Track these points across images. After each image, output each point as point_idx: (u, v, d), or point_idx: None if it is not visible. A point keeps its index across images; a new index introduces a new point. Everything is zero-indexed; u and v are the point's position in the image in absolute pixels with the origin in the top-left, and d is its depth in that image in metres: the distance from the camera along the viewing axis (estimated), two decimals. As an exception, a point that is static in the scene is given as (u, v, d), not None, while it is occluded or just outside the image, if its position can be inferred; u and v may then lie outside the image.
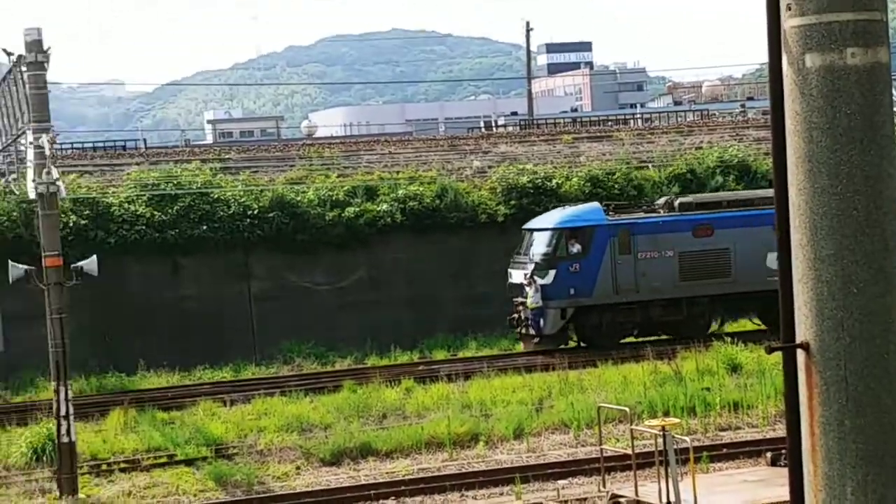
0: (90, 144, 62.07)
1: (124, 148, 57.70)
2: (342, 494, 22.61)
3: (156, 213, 40.78)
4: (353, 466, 25.19)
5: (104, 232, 39.79)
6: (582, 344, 37.37)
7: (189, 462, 25.65)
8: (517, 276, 36.93)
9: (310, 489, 23.33)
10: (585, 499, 20.45)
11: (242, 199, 41.80)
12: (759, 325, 38.59)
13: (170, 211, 40.89)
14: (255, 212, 41.45)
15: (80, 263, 24.97)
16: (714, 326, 38.04)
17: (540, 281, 36.28)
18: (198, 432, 27.56)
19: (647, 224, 37.13)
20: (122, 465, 25.83)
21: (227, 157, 47.99)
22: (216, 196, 41.66)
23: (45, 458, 25.80)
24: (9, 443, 27.45)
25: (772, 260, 37.14)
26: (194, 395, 32.93)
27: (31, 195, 24.54)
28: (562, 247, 36.66)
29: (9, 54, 25.58)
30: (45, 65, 23.70)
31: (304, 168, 45.27)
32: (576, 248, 36.58)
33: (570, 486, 22.29)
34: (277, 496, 22.87)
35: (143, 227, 40.41)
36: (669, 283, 36.90)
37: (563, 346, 37.14)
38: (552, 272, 36.44)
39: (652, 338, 37.34)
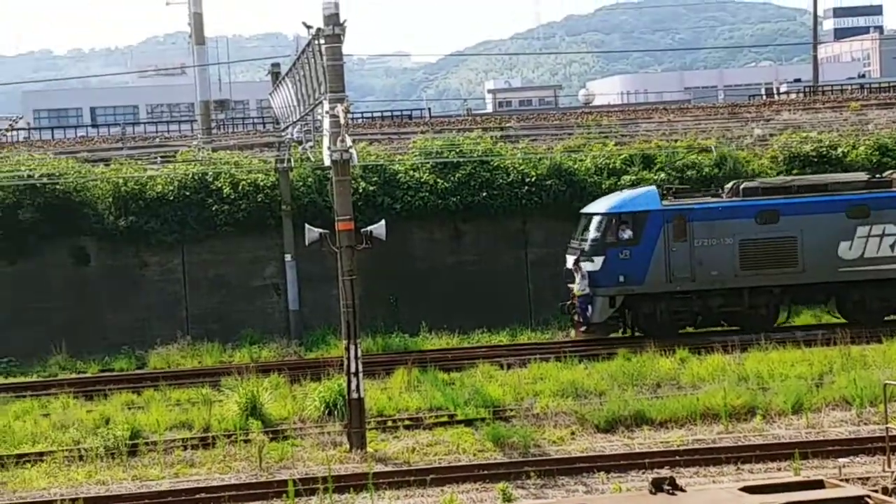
0: (378, 114, 64.07)
1: (410, 117, 59.38)
2: (616, 462, 22.86)
3: (438, 180, 41.92)
4: (628, 434, 25.44)
5: (390, 198, 41.20)
6: (637, 333, 36.34)
7: (468, 422, 26.43)
8: (570, 261, 36.33)
9: (584, 454, 23.64)
10: (868, 478, 20.15)
11: (521, 167, 42.49)
12: (837, 317, 36.78)
13: (452, 178, 41.94)
14: (533, 179, 42.09)
15: (369, 228, 26.11)
16: (782, 318, 36.40)
17: (588, 267, 35.72)
18: (476, 394, 28.35)
19: (704, 209, 35.78)
20: (406, 423, 26.86)
21: (507, 125, 48.83)
22: (496, 164, 42.48)
23: (335, 413, 27.08)
24: (304, 396, 28.94)
25: (844, 249, 35.73)
26: (472, 357, 33.86)
27: (327, 162, 25.70)
28: (611, 232, 35.83)
29: (308, 27, 26.89)
30: (341, 37, 24.79)
31: (581, 136, 45.59)
32: (627, 233, 35.76)
33: (852, 465, 21.93)
34: (553, 459, 23.35)
35: (427, 194, 41.62)
36: (729, 272, 35.49)
37: (617, 335, 36.41)
38: (600, 258, 35.73)
39: (716, 328, 36.22)
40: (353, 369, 24.83)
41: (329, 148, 25.13)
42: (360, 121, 54.17)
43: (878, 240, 35.69)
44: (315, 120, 33.64)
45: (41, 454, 25.41)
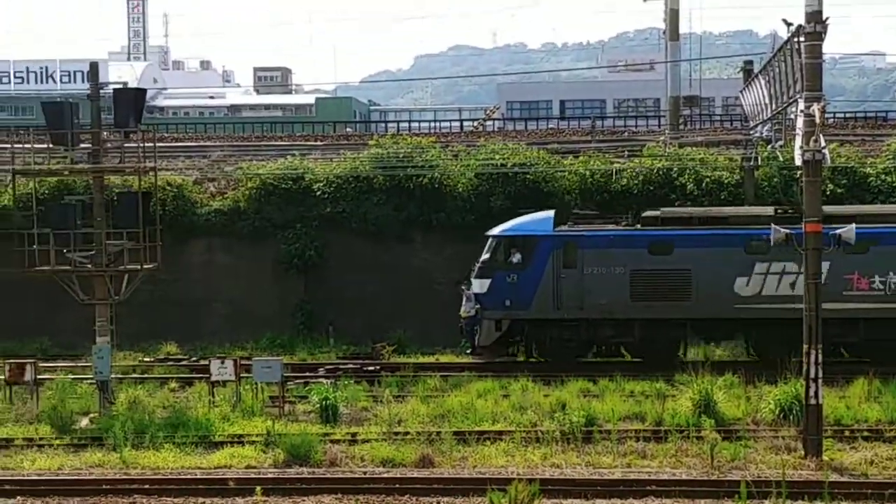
0: (850, 114, 62.03)
1: (885, 119, 57.05)
2: None
3: (914, 185, 40.13)
4: None
5: (858, 201, 39.79)
6: (535, 359, 35.31)
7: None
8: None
9: None
10: None
11: None
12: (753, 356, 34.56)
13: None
14: None
15: (838, 231, 25.46)
16: (682, 353, 34.80)
17: (475, 289, 35.20)
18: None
19: (595, 237, 34.57)
20: (865, 434, 25.98)
21: None
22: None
23: (791, 418, 26.58)
24: (758, 398, 28.57)
25: (741, 285, 33.88)
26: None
27: (798, 161, 25.21)
28: (501, 255, 35.16)
29: (787, 24, 26.46)
30: (823, 35, 24.20)
31: None
32: (516, 258, 34.96)
33: None
34: None
35: (900, 200, 39.95)
36: (619, 302, 34.26)
37: (511, 360, 35.39)
38: (487, 281, 35.14)
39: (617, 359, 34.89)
40: (812, 375, 24.26)
41: (801, 147, 24.65)
42: (831, 121, 52.65)
43: (777, 277, 33.86)
44: (787, 119, 33.00)
45: (500, 433, 26.43)
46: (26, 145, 33.00)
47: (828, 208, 35.00)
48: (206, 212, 43.21)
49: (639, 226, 35.26)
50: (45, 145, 31.91)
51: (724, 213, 35.42)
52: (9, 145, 33.13)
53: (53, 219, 30.26)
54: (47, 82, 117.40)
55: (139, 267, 30.36)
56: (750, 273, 34.06)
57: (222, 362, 30.43)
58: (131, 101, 30.07)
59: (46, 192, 40.78)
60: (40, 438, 26.80)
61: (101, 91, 30.53)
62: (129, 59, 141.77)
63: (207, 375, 30.67)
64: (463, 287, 36.85)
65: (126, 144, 31.63)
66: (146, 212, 30.18)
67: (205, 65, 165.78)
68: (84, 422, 28.60)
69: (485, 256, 35.70)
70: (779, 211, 34.66)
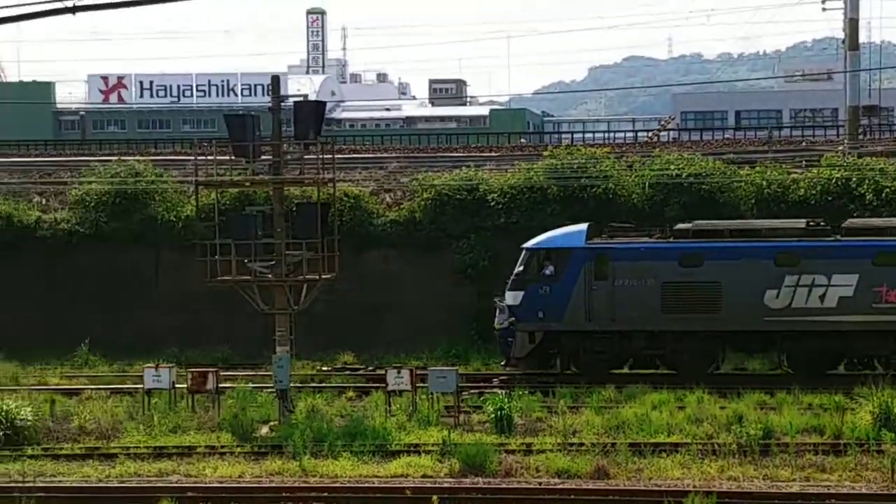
0: None
1: None
2: None
3: None
4: None
5: None
6: (571, 371, 35.21)
7: None
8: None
9: None
10: None
11: None
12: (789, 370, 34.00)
13: None
14: None
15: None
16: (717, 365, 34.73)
17: (508, 301, 35.38)
18: None
19: (626, 250, 34.75)
20: None
21: None
22: None
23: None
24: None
25: (770, 298, 33.71)
26: None
27: None
28: (534, 268, 35.37)
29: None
30: None
31: None
32: (549, 270, 35.17)
33: None
34: None
35: None
36: (650, 314, 34.28)
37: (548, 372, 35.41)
38: (520, 293, 35.32)
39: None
40: None
41: None
42: None
43: (806, 290, 33.63)
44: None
45: (676, 445, 26.18)
46: (209, 157, 33.92)
47: (856, 221, 35.53)
48: (383, 222, 43.80)
49: (671, 238, 35.34)
50: (227, 157, 32.75)
51: (755, 226, 35.55)
52: (192, 157, 34.06)
53: (235, 229, 31.00)
54: (228, 95, 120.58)
55: (318, 277, 30.92)
56: (780, 285, 33.95)
57: (398, 372, 30.80)
58: (311, 113, 30.67)
59: (228, 203, 41.85)
60: (222, 446, 27.42)
61: (282, 104, 31.21)
62: (307, 72, 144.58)
63: (384, 385, 31.07)
64: (496, 299, 36.83)
65: (305, 156, 32.27)
66: (324, 222, 30.70)
67: (381, 77, 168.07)
68: (264, 430, 29.21)
69: (518, 269, 35.86)
70: (810, 224, 34.88)
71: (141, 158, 49.97)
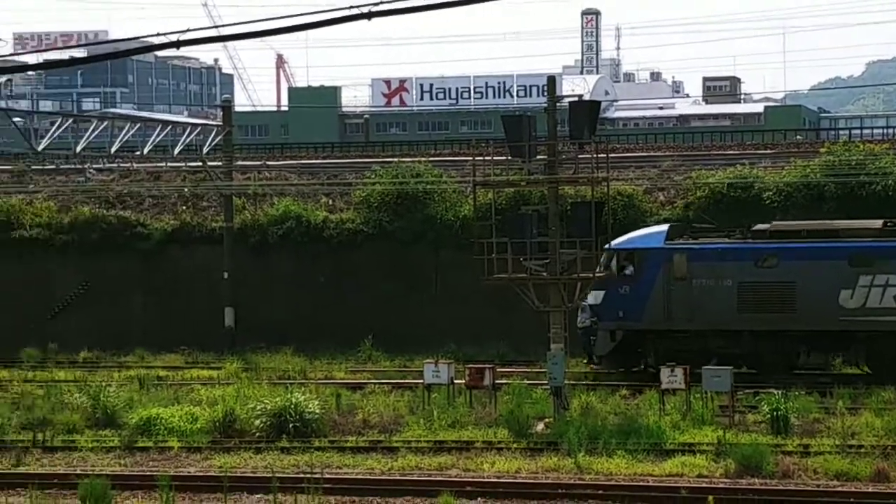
0: None
1: None
2: None
3: None
4: None
5: None
6: (653, 369, 34.28)
7: None
8: None
9: None
10: None
11: None
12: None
13: None
14: None
15: None
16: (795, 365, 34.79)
17: (590, 300, 35.61)
18: None
19: (704, 250, 35.12)
20: None
21: None
22: None
23: None
24: None
25: (845, 298, 33.85)
26: None
27: None
28: (614, 268, 35.43)
29: None
30: None
31: None
32: (629, 270, 35.66)
33: None
34: None
35: None
36: (727, 314, 34.78)
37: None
38: (601, 293, 35.71)
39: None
40: None
41: None
42: None
43: (881, 290, 33.77)
44: None
45: (963, 450, 25.24)
46: (486, 158, 34.59)
47: None
48: (656, 221, 43.67)
49: (749, 239, 35.40)
50: (504, 157, 33.33)
51: (832, 227, 35.65)
52: (470, 158, 34.76)
53: (511, 228, 31.57)
54: (505, 97, 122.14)
55: (591, 275, 31.14)
56: (854, 285, 33.86)
57: (672, 371, 30.69)
58: (586, 113, 30.93)
59: (504, 202, 42.53)
60: (498, 442, 27.83)
61: (557, 104, 31.59)
62: (581, 72, 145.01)
63: (658, 383, 31.05)
64: (581, 299, 36.69)
65: (580, 155, 32.56)
66: (598, 221, 30.93)
67: (654, 76, 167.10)
68: (539, 426, 29.58)
69: (600, 269, 35.46)
70: (888, 224, 34.40)
71: (421, 159, 51.22)
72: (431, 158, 53.60)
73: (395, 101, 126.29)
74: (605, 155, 32.08)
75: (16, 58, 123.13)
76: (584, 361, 37.70)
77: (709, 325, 35.24)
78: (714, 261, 35.29)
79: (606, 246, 36.15)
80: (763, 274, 34.90)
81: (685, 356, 34.37)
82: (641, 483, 23.96)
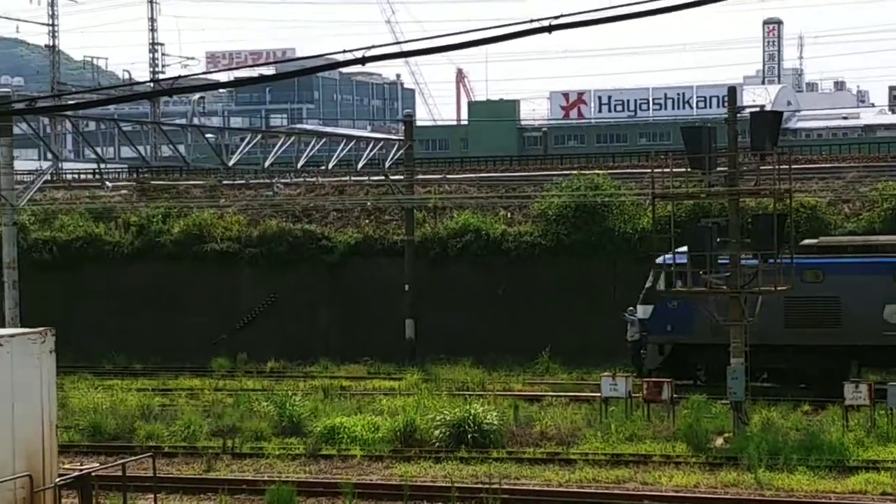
0: None
1: None
2: None
3: None
4: None
5: None
6: (703, 383, 35.70)
7: None
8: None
9: None
10: None
11: None
12: None
13: None
14: None
15: None
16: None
17: (640, 314, 36.82)
18: None
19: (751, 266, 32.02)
20: None
21: None
22: None
23: None
24: None
25: (890, 313, 33.96)
26: None
27: None
28: (663, 283, 35.51)
29: None
30: None
31: None
32: (678, 284, 34.41)
33: None
34: None
35: None
36: (774, 328, 34.38)
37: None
38: (650, 307, 36.63)
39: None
40: None
41: None
42: None
43: None
44: None
45: None
46: (665, 170, 34.51)
47: None
48: (841, 234, 42.87)
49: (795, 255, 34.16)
50: (683, 169, 33.19)
51: (878, 242, 35.74)
52: (648, 170, 34.68)
53: (690, 241, 31.38)
54: (684, 108, 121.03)
55: (773, 288, 30.79)
56: None
57: (857, 386, 30.17)
58: (768, 123, 30.56)
59: (683, 215, 42.28)
60: (677, 456, 27.75)
61: (738, 115, 31.33)
62: (763, 82, 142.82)
63: (842, 399, 30.52)
64: (625, 314, 38.72)
65: (761, 167, 32.23)
66: (780, 233, 30.56)
67: (839, 86, 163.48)
68: (719, 441, 29.38)
69: (648, 283, 37.04)
70: None
71: (599, 172, 51.27)
72: (610, 171, 53.58)
73: (574, 113, 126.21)
74: (787, 166, 31.72)
75: (208, 76, 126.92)
76: (635, 374, 36.89)
77: (756, 339, 34.15)
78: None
79: (656, 261, 36.89)
80: (809, 289, 34.98)
81: None
82: (823, 500, 23.60)
